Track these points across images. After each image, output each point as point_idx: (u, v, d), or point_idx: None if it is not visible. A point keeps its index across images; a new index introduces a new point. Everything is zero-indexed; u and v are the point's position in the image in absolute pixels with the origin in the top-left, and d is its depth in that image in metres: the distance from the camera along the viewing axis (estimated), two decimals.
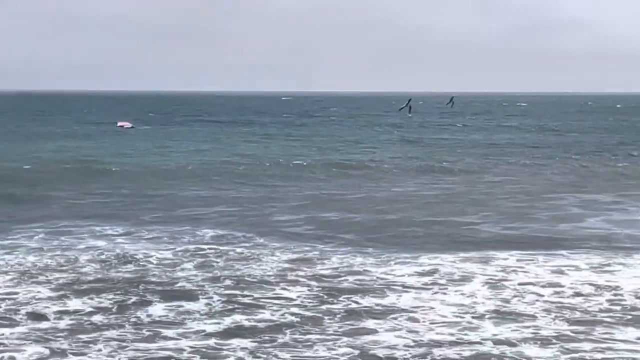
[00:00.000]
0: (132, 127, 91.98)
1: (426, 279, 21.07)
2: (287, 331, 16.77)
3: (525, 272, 21.92)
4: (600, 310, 18.34)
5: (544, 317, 17.88)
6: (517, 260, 23.35)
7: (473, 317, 17.80)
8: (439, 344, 16.03)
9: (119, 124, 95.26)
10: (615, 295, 19.60)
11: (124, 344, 15.89)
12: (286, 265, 22.63)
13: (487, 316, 17.91)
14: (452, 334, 16.64)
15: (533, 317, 17.88)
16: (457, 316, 17.89)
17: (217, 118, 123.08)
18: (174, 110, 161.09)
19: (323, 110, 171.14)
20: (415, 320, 17.55)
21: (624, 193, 38.49)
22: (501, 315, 17.95)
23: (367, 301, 18.96)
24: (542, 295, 19.54)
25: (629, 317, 17.87)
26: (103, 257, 23.45)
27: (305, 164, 50.89)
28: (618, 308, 18.52)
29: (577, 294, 19.64)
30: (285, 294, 19.58)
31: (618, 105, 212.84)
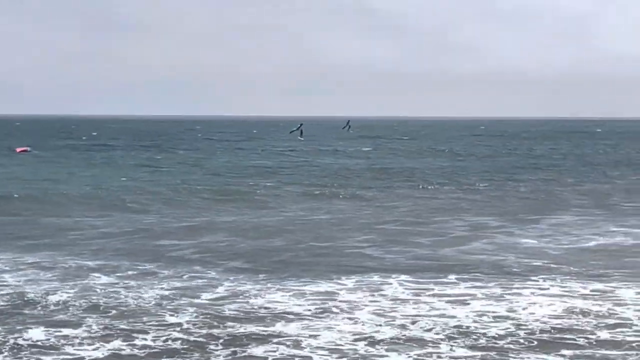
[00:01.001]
0: (29, 152, 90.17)
1: (315, 307, 20.79)
2: (168, 359, 16.55)
3: (417, 300, 21.61)
4: (504, 337, 18.16)
5: (448, 344, 17.58)
6: (409, 287, 23.20)
7: (369, 345, 17.49)
8: None
9: (18, 149, 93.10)
10: (517, 322, 19.40)
11: None
12: (170, 291, 22.32)
13: (385, 343, 17.65)
14: None
15: (436, 344, 17.58)
16: (351, 344, 17.60)
17: (113, 142, 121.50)
18: (73, 134, 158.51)
19: (220, 134, 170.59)
20: (306, 349, 17.26)
21: (511, 217, 39.15)
22: (400, 343, 17.67)
23: (254, 329, 18.69)
24: (442, 323, 19.21)
25: (535, 343, 17.81)
26: None
27: (195, 188, 50.53)
28: (522, 334, 18.40)
29: (477, 322, 19.38)
30: (169, 320, 19.30)
31: (509, 130, 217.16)
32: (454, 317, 19.89)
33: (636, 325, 19.27)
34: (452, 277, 24.60)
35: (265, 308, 20.62)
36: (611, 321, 19.53)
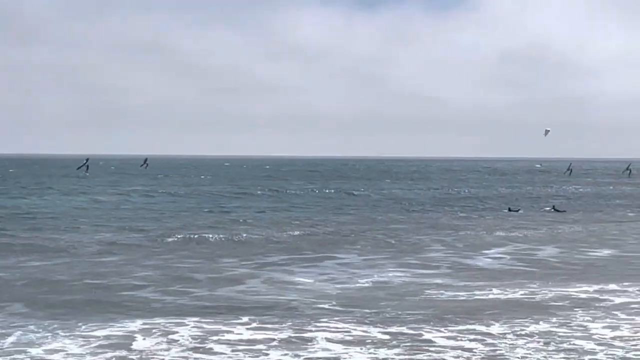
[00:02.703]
0: None
1: (100, 357, 19.48)
2: None
3: (211, 349, 20.41)
4: None
5: None
6: (200, 331, 22.13)
7: None
8: None
9: None
10: None
11: None
12: None
13: None
14: None
15: None
16: None
17: None
18: None
19: (7, 172, 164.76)
20: None
21: (294, 255, 39.59)
22: None
23: None
24: None
25: None
26: None
27: None
28: None
29: None
30: None
31: (306, 168, 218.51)
32: None
33: None
34: (244, 319, 23.71)
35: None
36: None
